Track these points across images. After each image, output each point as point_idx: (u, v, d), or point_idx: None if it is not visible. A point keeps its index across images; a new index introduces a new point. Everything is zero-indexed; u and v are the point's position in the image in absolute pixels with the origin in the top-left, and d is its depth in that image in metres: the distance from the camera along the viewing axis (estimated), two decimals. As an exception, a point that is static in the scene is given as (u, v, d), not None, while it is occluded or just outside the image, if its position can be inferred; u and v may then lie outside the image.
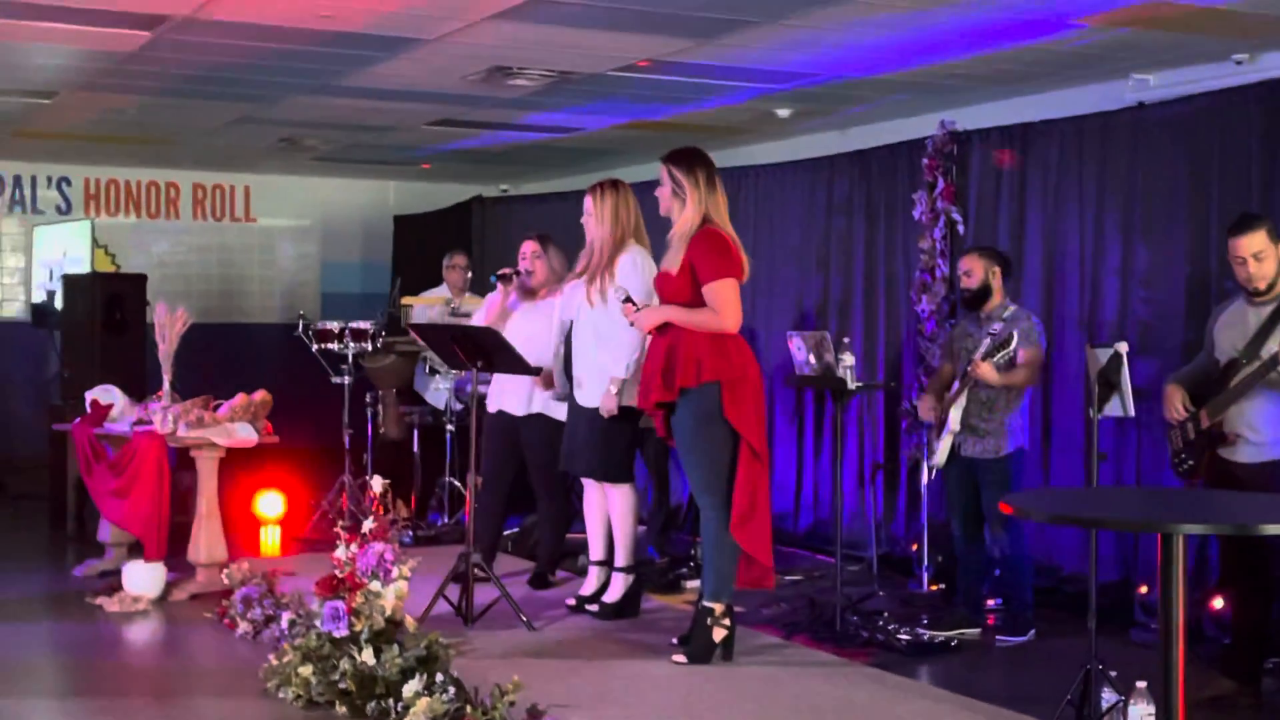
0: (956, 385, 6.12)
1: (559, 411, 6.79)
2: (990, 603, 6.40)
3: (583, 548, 6.88)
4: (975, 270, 6.26)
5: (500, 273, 7.03)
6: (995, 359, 5.88)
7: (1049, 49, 6.63)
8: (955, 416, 6.07)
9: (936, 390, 6.33)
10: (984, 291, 6.25)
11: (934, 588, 7.05)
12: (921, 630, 6.06)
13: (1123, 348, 4.97)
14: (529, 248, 7.08)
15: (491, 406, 7.04)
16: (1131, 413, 5.06)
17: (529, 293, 7.03)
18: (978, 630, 6.18)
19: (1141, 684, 4.24)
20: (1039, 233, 7.15)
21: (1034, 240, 7.16)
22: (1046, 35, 6.36)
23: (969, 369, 5.98)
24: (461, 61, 7.27)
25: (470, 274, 9.18)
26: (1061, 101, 7.43)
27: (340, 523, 5.39)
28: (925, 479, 6.44)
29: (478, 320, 7.15)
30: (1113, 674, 4.74)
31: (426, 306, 8.80)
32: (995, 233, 7.32)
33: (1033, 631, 6.11)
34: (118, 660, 5.93)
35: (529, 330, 6.79)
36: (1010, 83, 7.43)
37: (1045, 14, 6.01)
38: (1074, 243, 6.98)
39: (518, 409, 6.93)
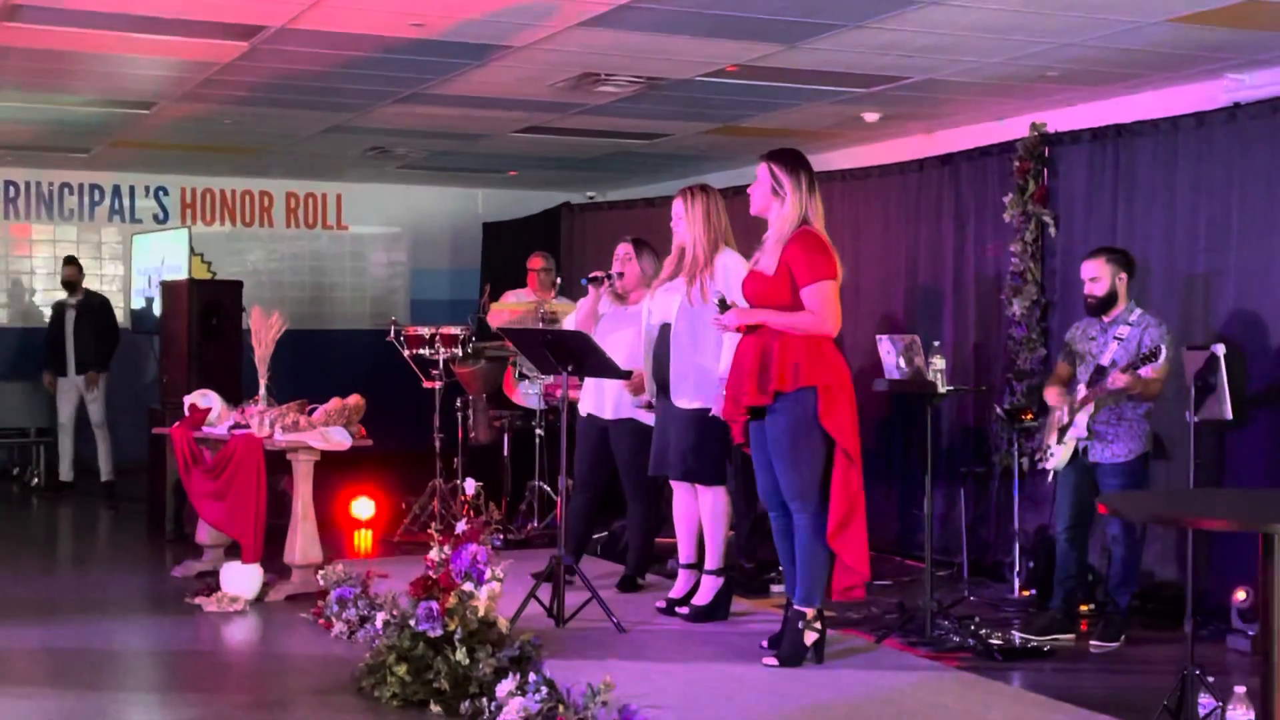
0: (1084, 391, 6.04)
1: (649, 417, 6.82)
2: (1083, 608, 6.34)
3: (672, 552, 6.90)
4: (1102, 276, 6.10)
5: (591, 276, 7.05)
6: (1140, 370, 5.78)
7: (1141, 49, 6.56)
8: (1083, 422, 6.00)
9: (1056, 389, 6.23)
10: (1110, 298, 6.11)
11: (1025, 593, 6.99)
12: (1014, 635, 6.02)
13: (1219, 350, 4.91)
14: (623, 250, 7.07)
15: (582, 410, 7.08)
16: (1229, 415, 4.99)
17: (619, 297, 7.08)
18: (1071, 635, 6.12)
19: (1240, 689, 4.19)
20: (1131, 234, 7.06)
21: (1126, 242, 7.05)
22: (1138, 34, 6.29)
23: (1106, 380, 5.88)
24: (550, 69, 7.34)
25: (553, 273, 9.21)
26: (1155, 103, 7.35)
27: (433, 525, 5.46)
28: (1050, 480, 6.34)
29: (569, 325, 7.19)
30: (1210, 679, 4.67)
31: (506, 310, 8.83)
32: (1086, 235, 7.25)
33: (1124, 637, 6.05)
34: (215, 659, 6.03)
35: (619, 335, 6.82)
36: (1101, 84, 7.36)
37: (1137, 13, 5.94)
38: (1167, 244, 6.89)
39: (607, 413, 6.97)
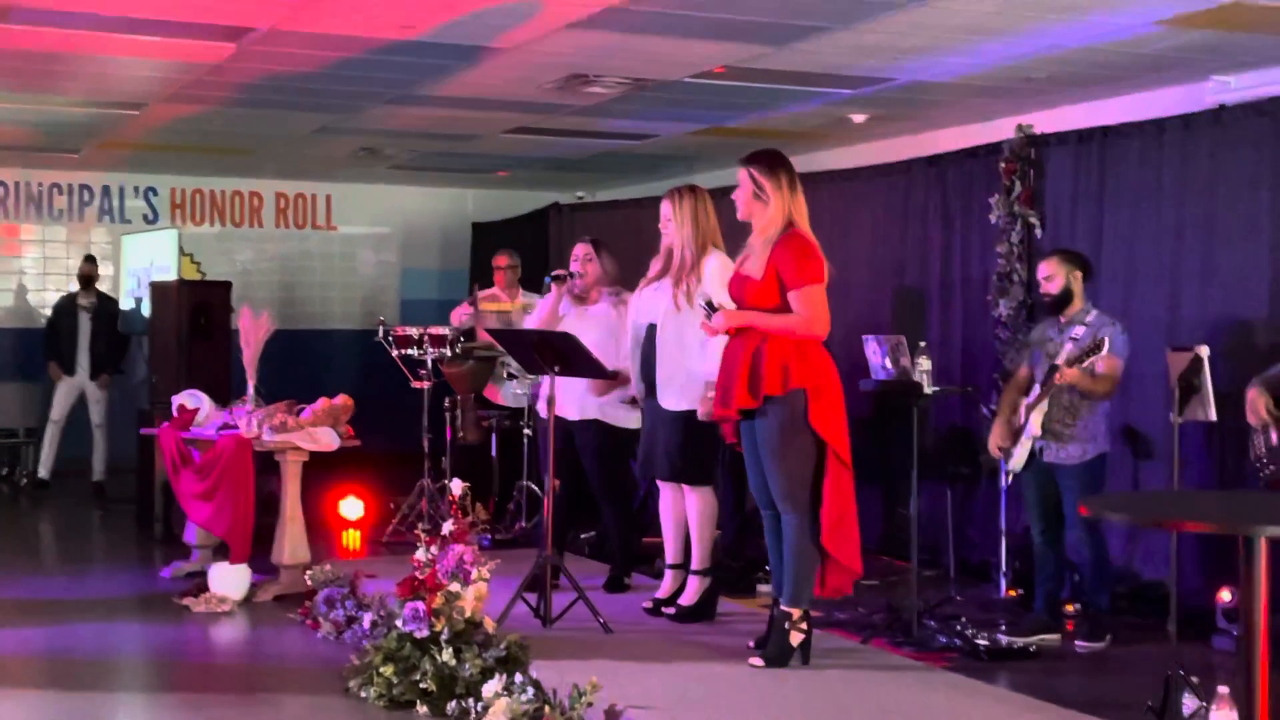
0: (1038, 390, 6.08)
1: (614, 417, 6.86)
2: (1069, 608, 6.37)
3: (659, 552, 6.91)
4: (1056, 275, 6.18)
5: (555, 273, 7.07)
6: (1085, 364, 5.82)
7: (1127, 51, 6.58)
8: (1036, 421, 6.03)
9: (1012, 396, 6.28)
10: (1065, 296, 6.18)
11: (1012, 593, 7.00)
12: (1000, 635, 6.03)
13: (1203, 351, 4.93)
14: (580, 250, 7.11)
15: (543, 411, 7.10)
16: (1213, 417, 5.00)
17: (579, 298, 7.08)
18: (1057, 636, 6.14)
19: (1224, 689, 4.20)
20: (1117, 236, 7.09)
21: (1112, 243, 7.11)
22: (1124, 37, 6.31)
23: (1054, 376, 5.92)
24: (538, 70, 7.34)
25: (519, 270, 9.29)
26: (1141, 105, 7.37)
27: (420, 525, 5.47)
28: (1003, 483, 6.41)
29: (530, 323, 7.23)
30: (1194, 680, 4.70)
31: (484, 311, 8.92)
32: (1073, 236, 7.27)
33: (1109, 637, 6.07)
34: (203, 659, 6.04)
35: (582, 337, 6.82)
36: (1089, 85, 7.38)
37: (1123, 17, 5.96)
38: (1153, 245, 6.91)
39: (572, 414, 6.97)
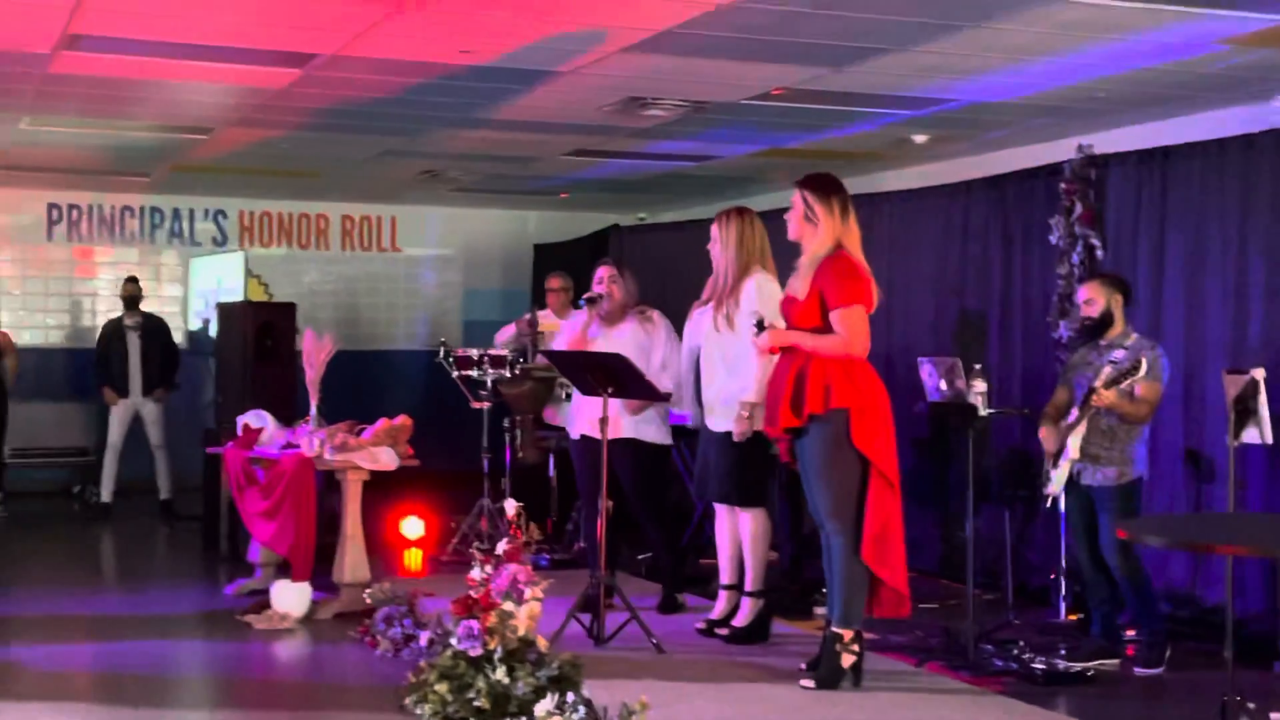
0: (1075, 413, 6.04)
1: (649, 435, 6.89)
2: (1129, 633, 6.30)
3: (715, 573, 6.92)
4: (1097, 299, 6.17)
5: (587, 296, 7.13)
6: (1122, 386, 5.79)
7: (1190, 71, 6.52)
8: (1074, 444, 5.99)
9: (1052, 418, 6.25)
10: (1106, 320, 6.16)
11: (1071, 617, 6.94)
12: (1057, 660, 5.97)
13: (1259, 373, 4.88)
14: (604, 272, 7.16)
15: (574, 432, 7.12)
16: (1269, 440, 4.95)
17: (606, 320, 7.11)
18: (1116, 661, 6.07)
19: (1277, 715, 4.16)
20: (1179, 257, 7.02)
21: (1174, 264, 7.04)
22: (1186, 56, 6.27)
23: (1092, 398, 5.89)
24: (597, 93, 7.40)
25: (571, 293, 9.38)
26: (1203, 124, 7.29)
27: (475, 545, 5.53)
28: (1046, 505, 6.37)
29: (558, 344, 7.28)
30: (1251, 706, 4.64)
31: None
32: (1135, 257, 7.21)
33: (1168, 661, 5.99)
34: (264, 676, 6.13)
35: None
36: (1150, 105, 7.33)
37: (1186, 36, 5.92)
38: (1215, 267, 6.84)
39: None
